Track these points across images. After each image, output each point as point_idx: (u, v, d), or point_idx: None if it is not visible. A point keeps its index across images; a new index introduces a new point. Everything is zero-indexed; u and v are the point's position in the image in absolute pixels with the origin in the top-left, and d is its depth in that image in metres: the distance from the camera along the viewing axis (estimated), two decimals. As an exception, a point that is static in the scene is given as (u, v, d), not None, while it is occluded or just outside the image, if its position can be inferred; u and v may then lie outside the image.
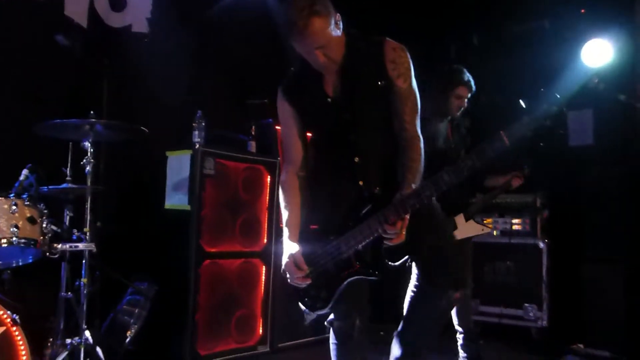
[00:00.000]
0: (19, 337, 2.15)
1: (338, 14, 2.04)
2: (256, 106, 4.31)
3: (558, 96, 1.83)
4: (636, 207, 3.93)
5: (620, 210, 3.99)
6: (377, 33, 2.19)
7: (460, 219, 3.26)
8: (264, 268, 3.93)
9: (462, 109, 3.32)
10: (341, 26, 2.05)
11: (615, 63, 4.07)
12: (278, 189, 3.87)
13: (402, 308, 2.28)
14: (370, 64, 2.10)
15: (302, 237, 2.17)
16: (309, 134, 2.33)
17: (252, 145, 4.07)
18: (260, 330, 3.91)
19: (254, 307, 3.89)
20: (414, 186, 1.97)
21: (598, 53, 4.09)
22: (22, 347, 2.16)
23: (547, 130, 1.81)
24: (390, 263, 2.07)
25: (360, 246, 2.02)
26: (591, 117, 4.51)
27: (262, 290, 3.92)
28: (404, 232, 1.94)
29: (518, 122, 1.79)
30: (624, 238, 3.90)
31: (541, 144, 3.36)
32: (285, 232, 2.19)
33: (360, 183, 2.11)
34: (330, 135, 2.20)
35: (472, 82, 3.28)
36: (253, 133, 4.11)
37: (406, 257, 2.12)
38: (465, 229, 3.26)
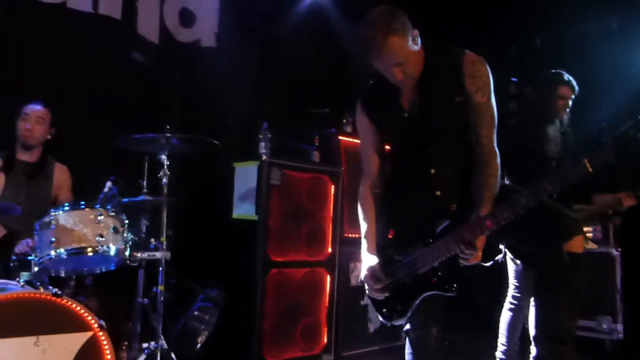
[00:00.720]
0: (105, 342, 2.26)
1: (416, 30, 2.05)
2: (319, 115, 4.37)
3: None
4: None
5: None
6: (434, 38, 2.18)
7: None
8: (328, 277, 3.96)
9: (568, 109, 3.30)
10: (419, 42, 2.06)
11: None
12: (342, 198, 3.99)
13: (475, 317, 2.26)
14: (448, 78, 2.09)
15: (380, 249, 2.21)
16: (387, 147, 2.36)
17: (316, 155, 4.12)
18: (325, 339, 3.93)
19: (319, 315, 3.92)
20: (489, 204, 1.97)
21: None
22: (108, 352, 2.27)
23: (632, 156, 1.75)
24: (482, 264, 2.05)
25: (436, 262, 2.02)
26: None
27: (327, 299, 3.95)
28: (480, 253, 1.94)
29: (601, 149, 1.76)
30: None
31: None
32: (364, 244, 2.23)
33: (438, 193, 2.11)
34: (407, 148, 2.22)
35: (574, 83, 3.27)
36: (316, 143, 4.16)
37: (499, 256, 2.11)
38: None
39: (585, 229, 4.28)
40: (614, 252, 4.10)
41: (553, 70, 3.38)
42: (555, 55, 4.81)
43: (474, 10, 4.97)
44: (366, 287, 2.19)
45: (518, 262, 3.08)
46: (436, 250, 2.02)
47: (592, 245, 3.34)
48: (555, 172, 1.84)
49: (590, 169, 1.76)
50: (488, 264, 2.07)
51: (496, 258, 2.10)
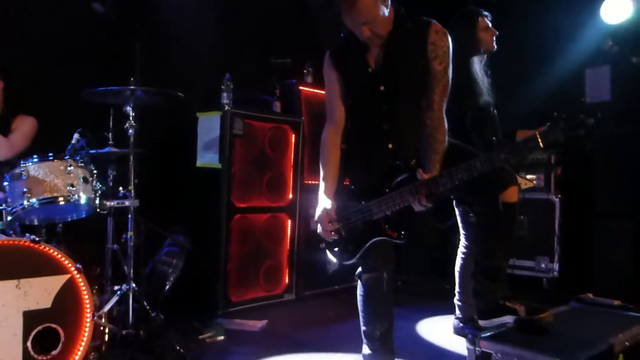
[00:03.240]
0: (82, 284, 2.42)
1: None
2: (280, 66, 4.45)
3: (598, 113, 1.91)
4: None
5: (631, 167, 4.09)
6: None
7: None
8: (289, 222, 4.17)
9: (495, 37, 3.24)
10: (389, 3, 2.21)
11: (633, 20, 4.13)
12: (303, 147, 4.15)
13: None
14: (413, 42, 2.24)
15: (337, 193, 2.37)
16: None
17: (277, 106, 4.24)
18: (287, 280, 4.19)
19: (280, 258, 4.16)
20: (438, 166, 2.16)
21: (617, 10, 4.14)
22: (85, 292, 2.43)
23: (580, 139, 1.90)
24: (438, 224, 2.25)
25: (389, 212, 2.20)
26: (608, 74, 4.56)
27: (288, 243, 4.18)
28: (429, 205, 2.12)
29: (555, 128, 1.91)
30: (634, 195, 4.03)
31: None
32: (322, 186, 2.37)
33: (390, 146, 2.29)
34: (366, 102, 2.36)
35: (486, 12, 3.29)
36: (277, 94, 4.27)
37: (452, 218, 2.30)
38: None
39: (530, 176, 4.59)
40: (554, 198, 4.43)
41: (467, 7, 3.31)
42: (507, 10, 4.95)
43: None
44: (319, 227, 2.34)
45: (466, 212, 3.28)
46: (391, 200, 2.18)
47: (529, 184, 3.51)
48: (510, 143, 2.00)
49: (542, 145, 1.92)
50: (443, 225, 2.26)
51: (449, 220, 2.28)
